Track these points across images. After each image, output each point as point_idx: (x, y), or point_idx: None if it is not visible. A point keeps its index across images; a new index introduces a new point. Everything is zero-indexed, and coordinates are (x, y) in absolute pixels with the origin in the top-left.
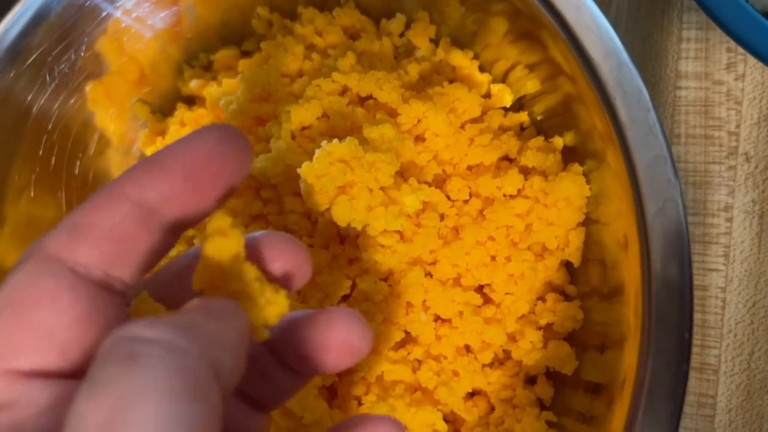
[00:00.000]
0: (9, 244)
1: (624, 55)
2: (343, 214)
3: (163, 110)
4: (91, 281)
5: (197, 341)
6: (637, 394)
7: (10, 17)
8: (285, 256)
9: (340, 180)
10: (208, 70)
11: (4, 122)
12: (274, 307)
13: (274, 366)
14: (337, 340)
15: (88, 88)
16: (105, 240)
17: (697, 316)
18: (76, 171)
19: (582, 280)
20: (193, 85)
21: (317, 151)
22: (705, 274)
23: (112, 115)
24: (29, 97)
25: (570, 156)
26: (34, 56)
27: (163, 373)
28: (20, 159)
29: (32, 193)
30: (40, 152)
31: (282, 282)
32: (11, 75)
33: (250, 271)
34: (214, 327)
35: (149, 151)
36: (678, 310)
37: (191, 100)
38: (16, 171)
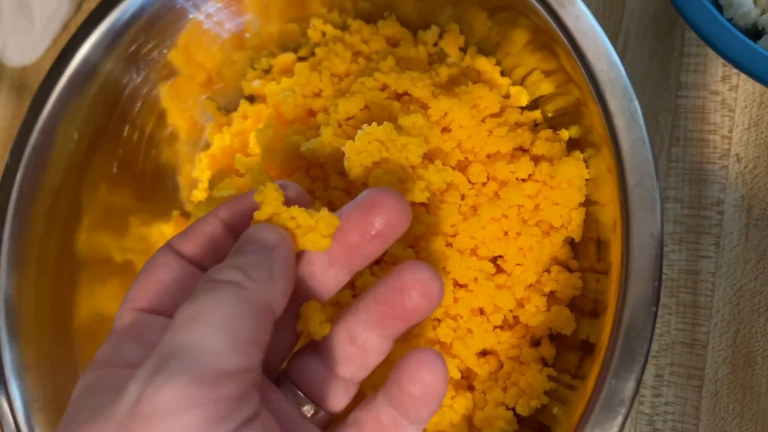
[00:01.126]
0: (86, 232)
1: (614, 57)
2: (378, 184)
3: (227, 108)
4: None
5: (254, 277)
6: (613, 336)
7: (114, 14)
8: (387, 209)
9: (376, 156)
10: (268, 73)
11: (99, 104)
12: (325, 220)
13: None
14: (411, 281)
15: (163, 88)
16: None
17: (689, 298)
18: (150, 161)
19: (582, 255)
20: (256, 84)
21: (358, 132)
22: (698, 260)
23: (182, 112)
24: (121, 85)
25: (574, 146)
26: (130, 50)
27: (229, 298)
28: (106, 144)
29: (114, 173)
30: (123, 137)
31: (384, 233)
32: (109, 65)
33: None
34: (266, 261)
35: (216, 141)
36: (650, 263)
37: (252, 99)
38: (100, 157)
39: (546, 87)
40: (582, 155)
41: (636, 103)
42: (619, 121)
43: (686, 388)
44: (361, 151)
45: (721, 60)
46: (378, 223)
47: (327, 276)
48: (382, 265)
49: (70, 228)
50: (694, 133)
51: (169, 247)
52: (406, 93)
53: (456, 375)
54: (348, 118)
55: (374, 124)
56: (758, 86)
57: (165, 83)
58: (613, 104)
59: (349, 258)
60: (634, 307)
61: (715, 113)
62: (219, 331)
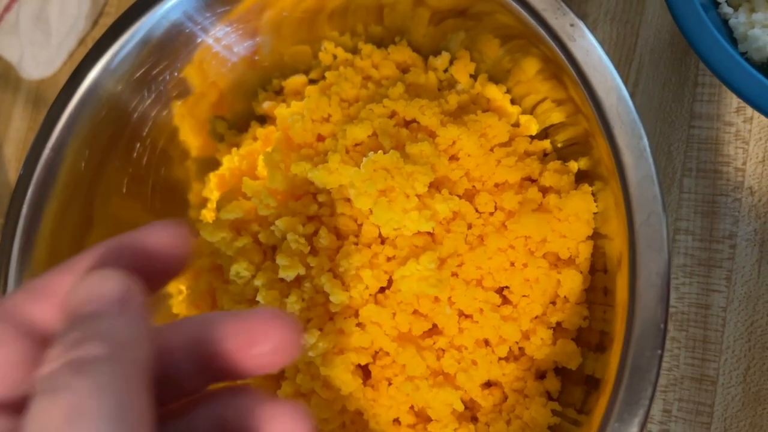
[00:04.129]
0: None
1: (623, 92)
2: (383, 214)
3: (237, 127)
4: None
5: (123, 341)
6: (619, 375)
7: (123, 38)
8: (274, 335)
9: (381, 184)
10: (279, 94)
11: (110, 124)
12: None
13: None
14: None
15: (176, 106)
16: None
17: (698, 332)
18: (160, 178)
19: (589, 287)
20: (266, 106)
21: (364, 160)
22: (708, 294)
23: (193, 130)
24: (131, 106)
25: (583, 179)
26: (139, 73)
27: (106, 380)
28: (116, 161)
29: (124, 192)
30: (134, 155)
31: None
32: (119, 87)
33: None
34: (123, 328)
35: (225, 162)
36: (655, 305)
37: (263, 119)
38: (111, 172)
39: (557, 116)
40: (590, 188)
41: (645, 140)
42: (628, 159)
43: (694, 424)
44: (366, 179)
45: None
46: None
47: None
48: (387, 293)
49: (79, 242)
50: (707, 165)
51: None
52: (414, 120)
53: (459, 407)
54: (356, 144)
55: (380, 152)
56: None
57: (177, 102)
58: (621, 141)
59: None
60: (638, 348)
61: (728, 145)
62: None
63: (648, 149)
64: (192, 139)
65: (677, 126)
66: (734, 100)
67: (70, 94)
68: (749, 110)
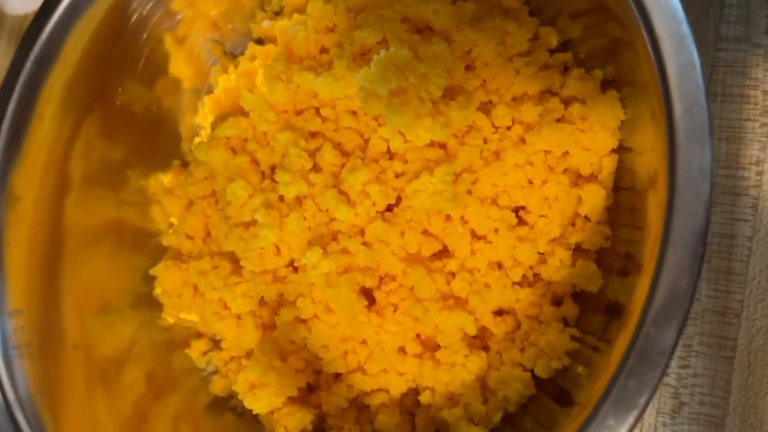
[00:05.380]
0: (82, 194)
1: None
2: (394, 118)
3: (234, 52)
4: None
5: None
6: (653, 283)
7: None
8: None
9: (393, 83)
10: (279, 15)
11: (98, 41)
12: None
13: None
14: None
15: (166, 33)
16: None
17: (722, 263)
18: (148, 112)
19: (612, 206)
20: (266, 24)
21: (375, 57)
22: (733, 223)
23: (186, 57)
24: (129, 9)
25: (609, 88)
26: None
27: None
28: (107, 83)
29: (113, 122)
30: (120, 87)
31: None
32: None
33: None
34: None
35: (220, 82)
36: (698, 200)
37: (261, 42)
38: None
39: (575, 29)
40: (618, 94)
41: (686, 25)
42: (667, 46)
43: (716, 359)
44: (377, 78)
45: (764, 11)
46: None
47: None
48: (395, 211)
49: (64, 183)
50: (734, 89)
51: None
52: (427, 27)
53: (472, 330)
54: (363, 53)
55: (393, 49)
56: None
57: (168, 28)
58: (660, 27)
59: None
60: (678, 247)
61: (756, 67)
62: None
63: (689, 35)
64: (184, 68)
65: (702, 49)
66: (763, 21)
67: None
68: None
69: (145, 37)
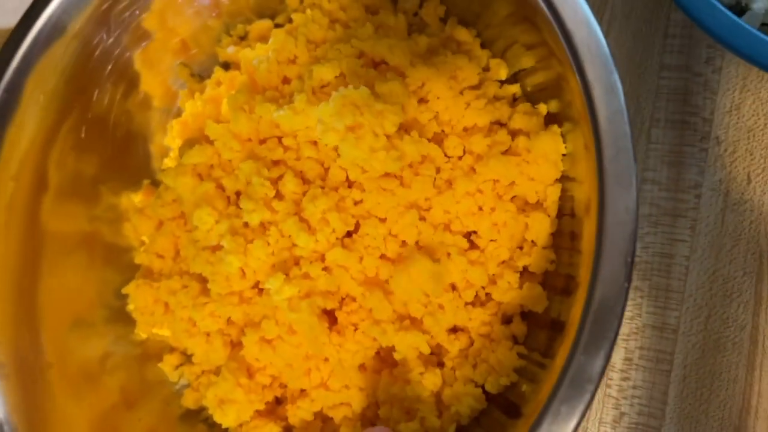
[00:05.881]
0: (54, 200)
1: (594, 26)
2: (350, 151)
3: (201, 74)
4: None
5: None
6: (584, 312)
7: None
8: None
9: (349, 120)
10: (243, 40)
11: (68, 64)
12: None
13: None
14: None
15: (136, 52)
16: None
17: (661, 281)
18: (121, 127)
19: (556, 231)
20: (231, 50)
21: (333, 94)
22: (672, 243)
23: (155, 78)
24: (91, 45)
25: (553, 122)
26: (102, 7)
27: None
28: (75, 106)
29: (83, 137)
30: (94, 99)
31: None
32: (78, 25)
33: None
34: None
35: (187, 107)
36: (623, 238)
37: (227, 66)
38: (69, 122)
39: (527, 60)
40: (559, 130)
41: (616, 75)
42: (598, 93)
43: (655, 372)
44: (334, 113)
45: (705, 41)
46: None
47: None
48: (354, 237)
49: (37, 195)
50: (675, 115)
51: None
52: (383, 61)
53: (426, 350)
54: (323, 86)
55: (351, 87)
56: (741, 69)
57: (138, 48)
58: (591, 75)
59: None
60: (606, 282)
61: (697, 95)
62: None
63: (619, 84)
64: (154, 87)
65: (646, 77)
66: (704, 51)
67: (25, 30)
68: (718, 60)
69: (117, 52)
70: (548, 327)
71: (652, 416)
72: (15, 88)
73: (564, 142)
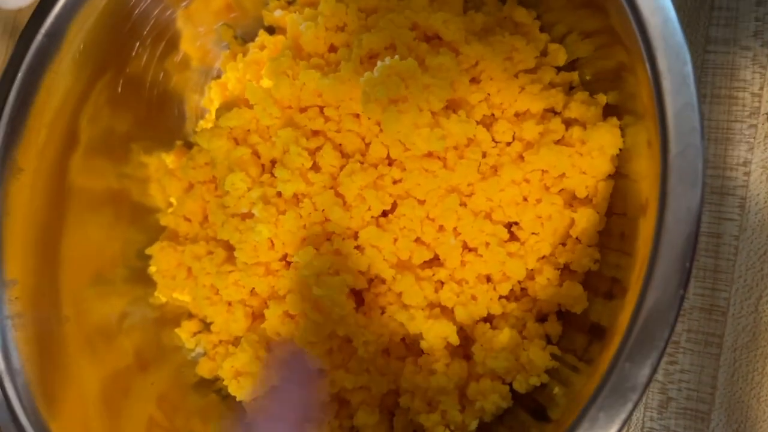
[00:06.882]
0: (84, 155)
1: (671, 13)
2: (391, 125)
3: (244, 37)
4: None
5: None
6: (633, 317)
7: None
8: None
9: (393, 92)
10: (291, 4)
11: (111, 13)
12: None
13: None
14: None
15: (179, 11)
16: None
17: (709, 261)
18: (158, 85)
19: (603, 230)
20: (278, 14)
21: (379, 64)
22: (720, 222)
23: (196, 38)
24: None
25: (611, 115)
26: None
27: None
28: (113, 59)
29: (119, 92)
30: (132, 54)
31: None
32: None
33: None
34: None
35: (228, 69)
36: (683, 241)
37: (272, 30)
38: (106, 76)
39: (585, 48)
40: (618, 122)
41: (690, 66)
42: (669, 84)
43: (703, 355)
44: (378, 83)
45: (753, 13)
46: None
47: None
48: (390, 217)
49: (68, 147)
50: (722, 91)
51: None
52: (436, 36)
53: (455, 341)
54: (371, 56)
55: (397, 57)
56: None
57: (180, 6)
58: (663, 65)
59: None
60: (659, 287)
61: (745, 69)
62: None
63: (692, 77)
64: (193, 48)
65: (692, 51)
66: (751, 24)
67: None
68: (767, 33)
69: (158, 9)
70: (587, 330)
71: (701, 401)
72: (56, 33)
73: (622, 135)
